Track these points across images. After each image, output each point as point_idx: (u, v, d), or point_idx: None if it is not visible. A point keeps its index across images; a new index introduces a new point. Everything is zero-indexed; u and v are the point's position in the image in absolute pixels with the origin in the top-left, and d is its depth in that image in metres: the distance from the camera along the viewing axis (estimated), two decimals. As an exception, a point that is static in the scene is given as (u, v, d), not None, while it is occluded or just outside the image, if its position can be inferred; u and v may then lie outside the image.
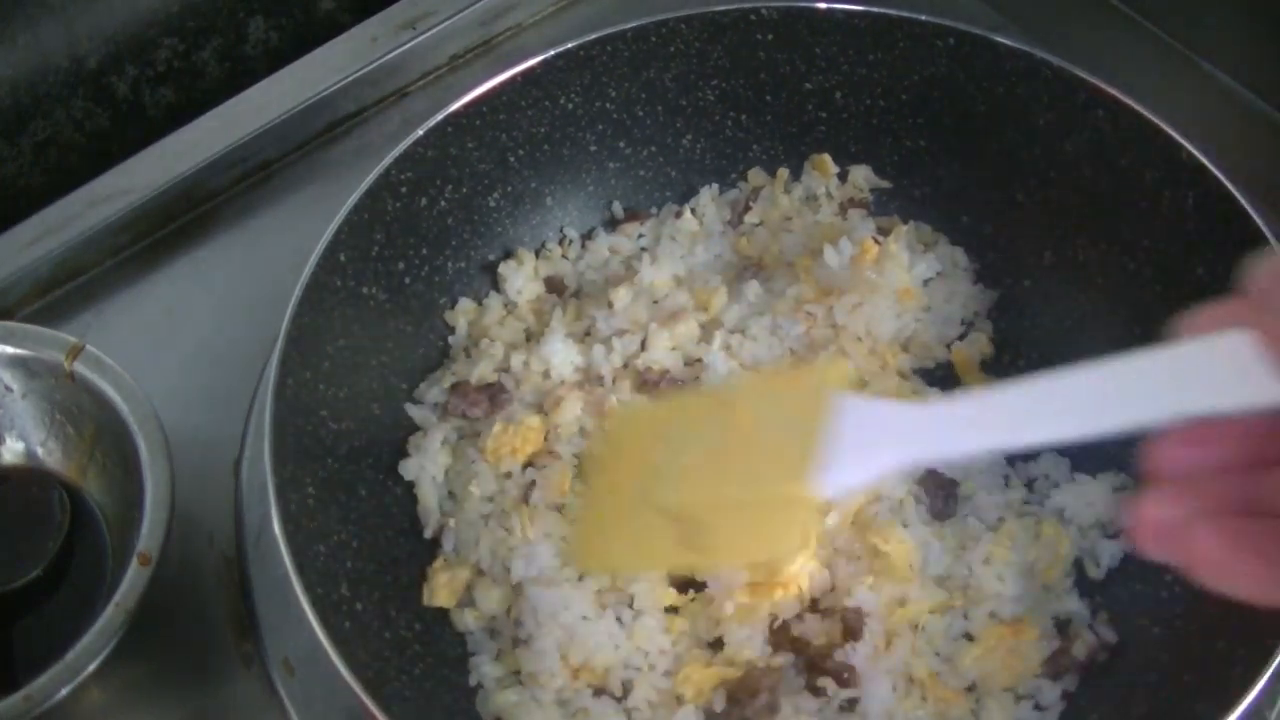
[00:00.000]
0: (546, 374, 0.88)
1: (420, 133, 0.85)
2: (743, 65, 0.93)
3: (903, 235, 0.92)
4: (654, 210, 0.97)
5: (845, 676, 0.76)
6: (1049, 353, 0.89)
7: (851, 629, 0.77)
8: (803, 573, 0.79)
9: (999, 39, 0.88)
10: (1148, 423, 0.50)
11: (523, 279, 0.93)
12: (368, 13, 1.09)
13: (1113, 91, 0.84)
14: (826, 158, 0.95)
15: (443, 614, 0.81)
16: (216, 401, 0.92)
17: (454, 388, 0.87)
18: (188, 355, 0.95)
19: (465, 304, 0.92)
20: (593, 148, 0.94)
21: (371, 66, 1.06)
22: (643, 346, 0.88)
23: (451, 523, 0.83)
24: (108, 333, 0.95)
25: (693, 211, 0.96)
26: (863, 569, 0.80)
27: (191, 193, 1.01)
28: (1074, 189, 0.88)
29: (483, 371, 0.87)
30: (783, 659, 0.78)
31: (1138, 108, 0.83)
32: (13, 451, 0.86)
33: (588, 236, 0.96)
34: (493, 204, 0.92)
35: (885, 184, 0.96)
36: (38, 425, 0.85)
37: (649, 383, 0.86)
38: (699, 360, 0.87)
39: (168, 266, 1.00)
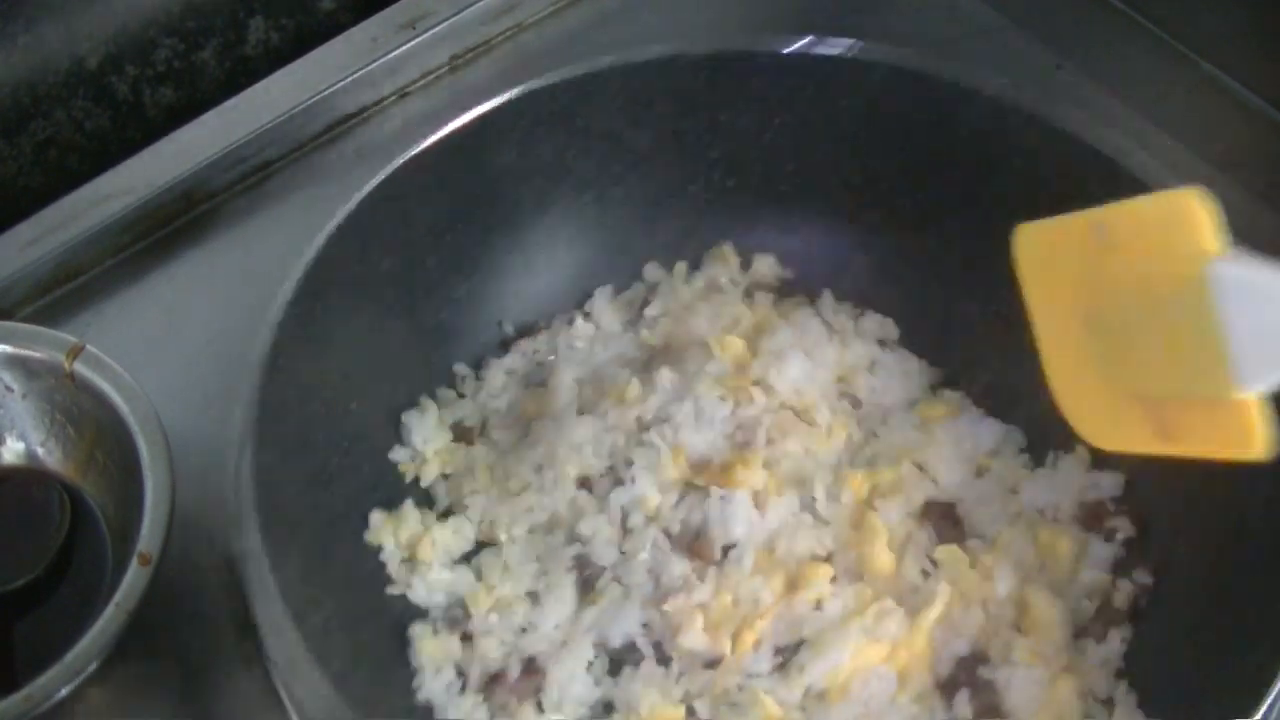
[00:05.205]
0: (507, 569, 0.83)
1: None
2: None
3: (828, 301, 0.91)
4: (544, 325, 0.93)
5: None
6: (1003, 391, 0.87)
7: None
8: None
9: (929, 69, 0.86)
10: None
11: (429, 427, 0.87)
12: (368, 13, 1.09)
13: (1045, 114, 0.83)
14: (727, 248, 0.93)
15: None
16: (216, 401, 0.91)
17: (488, 683, 0.79)
18: (188, 355, 0.94)
19: (376, 517, 0.84)
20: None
21: (371, 66, 1.06)
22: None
23: None
24: (108, 333, 0.95)
25: (586, 316, 0.93)
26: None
27: (191, 193, 1.01)
28: (1016, 215, 0.87)
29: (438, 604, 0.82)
30: None
31: (1070, 129, 0.82)
32: (13, 451, 0.86)
33: (480, 367, 0.91)
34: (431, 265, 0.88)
35: (788, 274, 0.93)
36: (38, 425, 0.85)
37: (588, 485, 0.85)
38: (630, 462, 0.84)
39: (168, 266, 1.00)
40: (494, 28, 1.11)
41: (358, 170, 1.00)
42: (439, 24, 1.08)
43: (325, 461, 0.82)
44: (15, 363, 0.83)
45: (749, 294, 0.93)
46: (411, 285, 0.88)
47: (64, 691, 0.71)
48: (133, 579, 0.74)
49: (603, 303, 0.93)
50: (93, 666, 0.72)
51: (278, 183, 1.04)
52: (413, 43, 1.07)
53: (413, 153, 0.85)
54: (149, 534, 0.76)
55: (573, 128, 0.89)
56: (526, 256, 0.92)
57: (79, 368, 0.81)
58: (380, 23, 1.08)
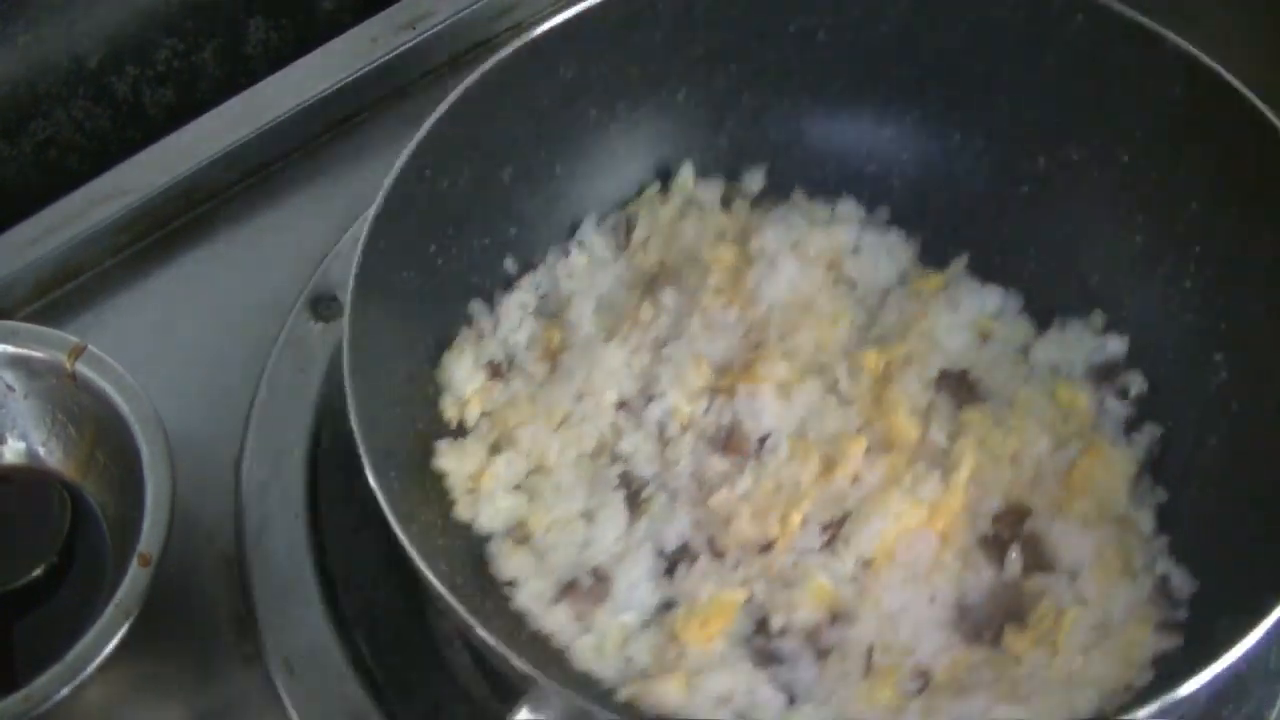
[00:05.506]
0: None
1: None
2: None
3: (800, 198, 0.93)
4: (541, 258, 0.94)
5: None
6: (1053, 253, 0.90)
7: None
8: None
9: None
10: None
11: (467, 367, 0.88)
12: (368, 13, 1.09)
13: None
14: (685, 167, 0.95)
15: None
16: (216, 401, 0.92)
17: (563, 590, 0.81)
18: (188, 355, 0.95)
19: (443, 444, 0.85)
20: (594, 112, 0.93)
21: (371, 66, 1.06)
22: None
23: None
24: (108, 333, 0.95)
25: (580, 245, 0.94)
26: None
27: (191, 193, 1.01)
28: (1059, 97, 0.89)
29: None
30: None
31: (1114, 6, 0.85)
32: (14, 451, 0.86)
33: (493, 303, 0.92)
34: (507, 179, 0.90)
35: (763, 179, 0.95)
36: (39, 425, 0.85)
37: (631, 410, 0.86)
38: (657, 378, 0.86)
39: (168, 266, 1.00)
40: (494, 28, 1.11)
41: (358, 170, 1.01)
42: (439, 24, 1.08)
43: (393, 399, 0.83)
44: (17, 362, 0.83)
45: (726, 204, 0.94)
46: (437, 234, 0.88)
47: (64, 691, 0.72)
48: (133, 579, 0.74)
49: (590, 230, 0.95)
50: (93, 666, 0.72)
51: (278, 183, 1.04)
52: (413, 43, 1.07)
53: (443, 109, 0.85)
54: (149, 534, 0.76)
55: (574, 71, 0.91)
56: (523, 195, 0.93)
57: (80, 368, 0.81)
58: (380, 23, 1.08)
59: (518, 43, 0.87)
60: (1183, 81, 0.83)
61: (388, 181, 0.81)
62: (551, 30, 0.88)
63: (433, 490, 0.83)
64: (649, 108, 0.94)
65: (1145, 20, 0.84)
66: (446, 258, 0.88)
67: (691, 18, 0.91)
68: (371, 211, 0.80)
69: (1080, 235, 0.90)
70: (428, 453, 0.84)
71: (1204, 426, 0.82)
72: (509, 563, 0.82)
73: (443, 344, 0.89)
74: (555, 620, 0.80)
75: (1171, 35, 0.83)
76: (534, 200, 0.93)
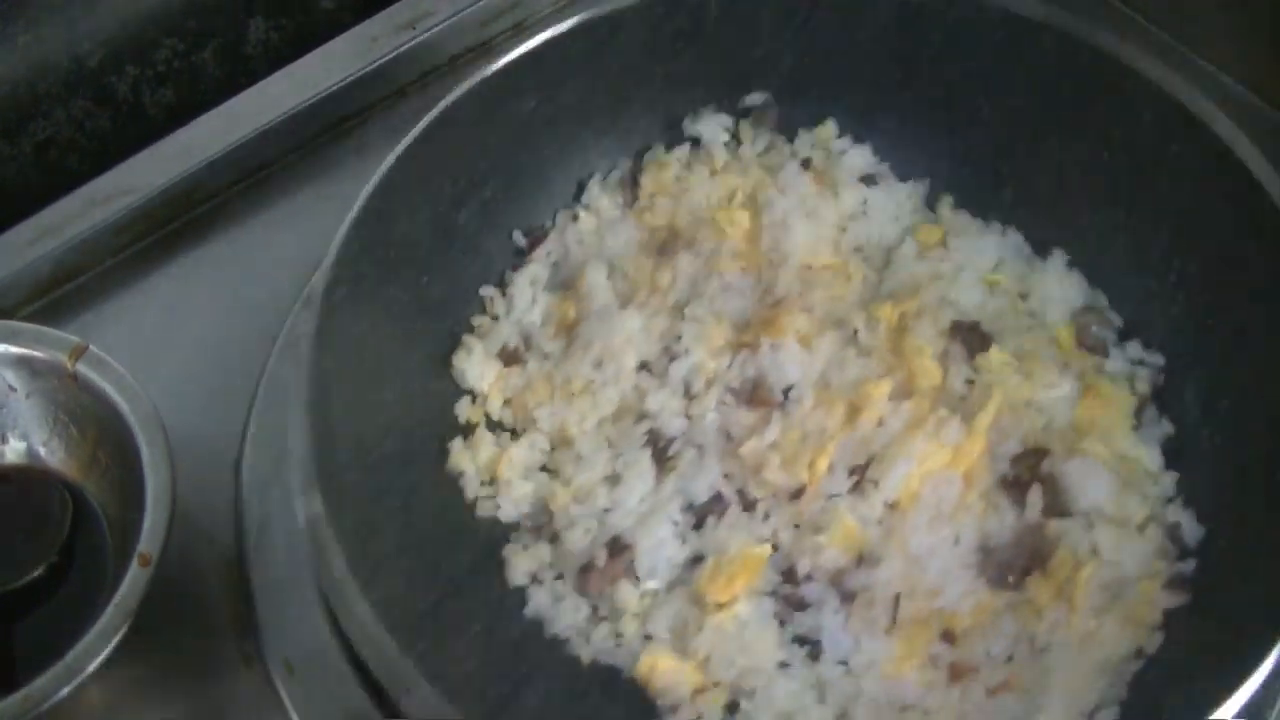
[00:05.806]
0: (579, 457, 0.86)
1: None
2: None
3: (810, 143, 0.94)
4: (549, 224, 0.95)
5: None
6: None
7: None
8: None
9: None
10: None
11: (478, 364, 0.89)
12: (368, 13, 1.09)
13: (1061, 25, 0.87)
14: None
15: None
16: (216, 401, 0.92)
17: (580, 575, 0.81)
18: (188, 355, 0.95)
19: (455, 445, 0.87)
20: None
21: (371, 66, 1.06)
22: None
23: None
24: (108, 333, 0.95)
25: (586, 208, 0.95)
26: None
27: (191, 193, 1.01)
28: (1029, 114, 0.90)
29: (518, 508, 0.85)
30: None
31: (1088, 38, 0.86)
32: (15, 451, 0.86)
33: (504, 284, 0.93)
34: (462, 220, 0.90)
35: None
36: (40, 425, 0.85)
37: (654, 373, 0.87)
38: (679, 337, 0.88)
39: (168, 266, 1.00)
40: (494, 28, 1.11)
41: (357, 170, 1.01)
42: (439, 24, 1.08)
43: (388, 423, 0.84)
44: (19, 363, 0.83)
45: (733, 148, 0.95)
46: (436, 237, 0.90)
47: (64, 691, 0.72)
48: (133, 579, 0.74)
49: (597, 191, 0.95)
50: (93, 666, 0.73)
51: (278, 183, 1.04)
52: (413, 43, 1.07)
53: (439, 110, 0.87)
54: (149, 534, 0.76)
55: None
56: (527, 166, 0.94)
57: (81, 368, 0.81)
58: (380, 23, 1.08)
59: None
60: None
61: (366, 189, 0.82)
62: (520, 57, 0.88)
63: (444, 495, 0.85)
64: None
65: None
66: (443, 259, 0.89)
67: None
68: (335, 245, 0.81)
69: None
70: (442, 455, 0.86)
71: (1200, 357, 0.83)
72: (521, 562, 0.83)
73: (448, 349, 0.90)
74: (567, 617, 0.80)
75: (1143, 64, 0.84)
76: (532, 170, 0.93)
